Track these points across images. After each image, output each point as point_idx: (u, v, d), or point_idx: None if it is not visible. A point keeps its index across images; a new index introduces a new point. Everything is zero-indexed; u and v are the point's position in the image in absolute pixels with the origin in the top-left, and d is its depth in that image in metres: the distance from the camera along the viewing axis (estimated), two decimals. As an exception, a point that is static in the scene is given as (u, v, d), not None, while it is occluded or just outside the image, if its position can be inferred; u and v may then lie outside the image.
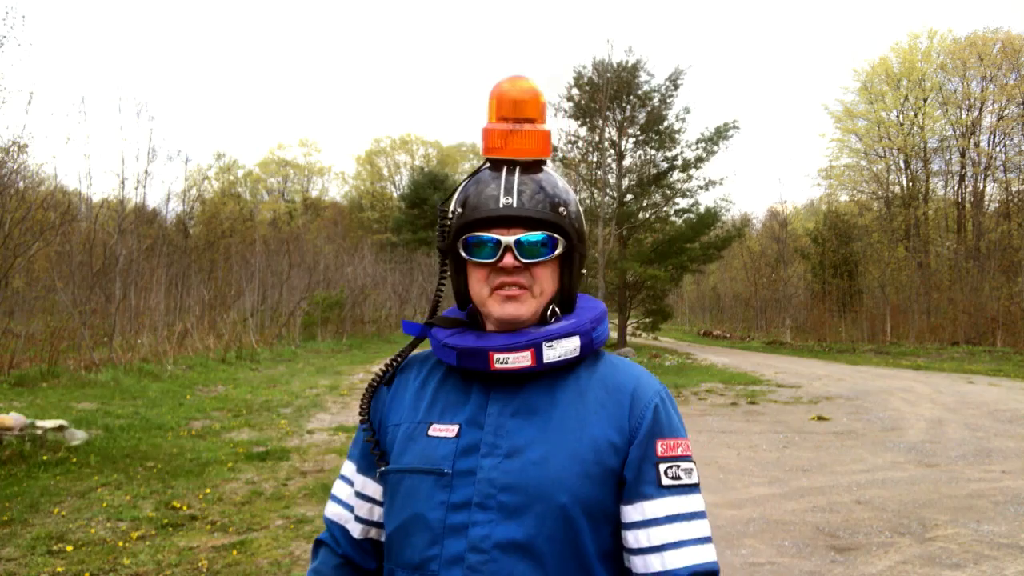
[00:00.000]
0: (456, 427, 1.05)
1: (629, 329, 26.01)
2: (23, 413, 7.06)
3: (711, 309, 45.89)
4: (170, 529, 4.68)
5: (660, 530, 1.00)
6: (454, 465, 1.02)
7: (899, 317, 28.18)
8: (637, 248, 24.70)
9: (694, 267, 26.64)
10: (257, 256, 22.47)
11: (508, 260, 1.04)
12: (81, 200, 21.35)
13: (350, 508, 1.16)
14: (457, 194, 1.13)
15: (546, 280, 1.08)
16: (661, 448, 1.04)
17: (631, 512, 1.03)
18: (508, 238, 1.05)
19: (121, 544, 4.37)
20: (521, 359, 1.03)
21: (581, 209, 1.15)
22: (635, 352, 21.14)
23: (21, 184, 15.40)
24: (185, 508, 5.10)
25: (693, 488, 1.04)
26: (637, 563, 1.02)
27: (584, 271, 1.15)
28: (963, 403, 10.57)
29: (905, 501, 5.51)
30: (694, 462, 1.06)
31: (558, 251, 1.08)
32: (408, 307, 28.38)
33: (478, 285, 1.08)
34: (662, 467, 1.03)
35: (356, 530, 1.15)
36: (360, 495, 1.15)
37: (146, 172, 18.24)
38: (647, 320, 26.18)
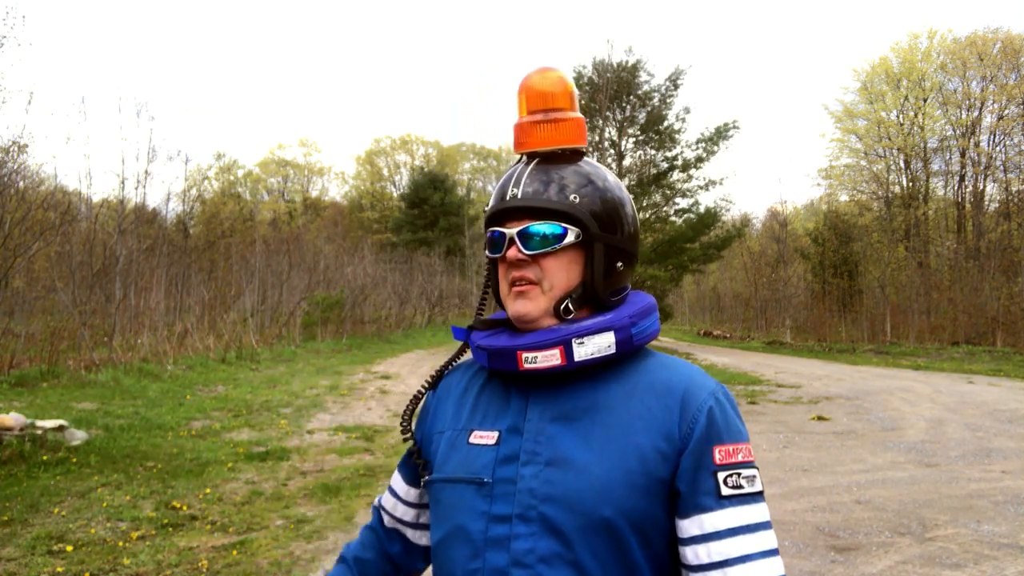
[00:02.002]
0: (496, 434, 1.01)
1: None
2: (23, 413, 7.06)
3: (711, 309, 45.85)
4: (170, 529, 4.68)
5: (722, 544, 0.92)
6: (494, 474, 0.98)
7: (899, 317, 28.17)
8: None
9: (694, 267, 26.66)
10: (257, 256, 22.46)
11: (512, 253, 1.01)
12: (81, 200, 21.39)
13: (398, 518, 1.22)
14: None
15: (557, 273, 1.01)
16: (719, 455, 0.94)
17: (688, 526, 0.94)
18: (511, 230, 1.01)
19: (121, 544, 4.37)
20: (550, 357, 0.97)
21: (625, 197, 1.09)
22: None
23: (21, 184, 15.42)
24: (185, 508, 5.10)
25: (757, 497, 0.94)
26: None
27: (620, 264, 1.06)
28: (963, 403, 10.56)
29: (905, 501, 5.51)
30: (757, 468, 0.97)
31: (567, 241, 1.00)
32: (408, 307, 28.37)
33: (501, 284, 1.06)
34: (721, 476, 0.94)
35: (405, 534, 1.22)
36: (411, 503, 1.20)
37: (146, 172, 18.31)
38: (647, 320, 26.11)
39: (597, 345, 0.98)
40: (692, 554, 0.93)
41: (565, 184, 1.03)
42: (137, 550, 4.28)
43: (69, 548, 4.27)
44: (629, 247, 1.07)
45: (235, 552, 4.29)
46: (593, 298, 1.04)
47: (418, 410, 1.20)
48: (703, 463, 0.94)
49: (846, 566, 4.19)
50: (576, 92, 1.10)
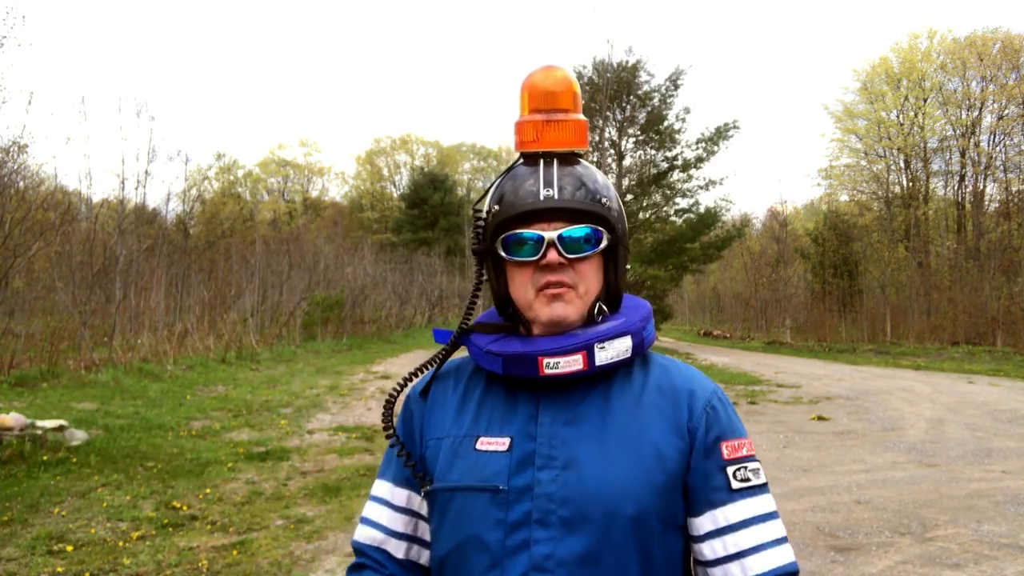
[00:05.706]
0: (507, 440, 0.99)
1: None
2: (23, 413, 7.06)
3: (711, 309, 45.86)
4: (170, 529, 4.68)
5: (737, 536, 0.95)
6: (509, 481, 0.96)
7: (899, 317, 28.17)
8: (637, 248, 24.71)
9: (694, 267, 26.66)
10: (257, 256, 22.45)
11: (552, 256, 0.97)
12: (81, 200, 21.33)
13: (388, 530, 1.08)
14: (492, 192, 1.05)
15: (591, 277, 1.01)
16: (726, 450, 0.98)
17: (703, 522, 0.97)
18: (551, 233, 0.98)
19: (121, 544, 4.37)
20: (572, 363, 0.96)
21: (622, 204, 1.08)
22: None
23: (21, 184, 15.36)
24: (185, 508, 5.10)
25: (763, 488, 0.98)
26: (716, 574, 0.97)
27: (628, 267, 1.09)
28: (963, 403, 10.56)
29: (905, 501, 5.51)
30: (759, 461, 1.00)
31: (603, 245, 1.01)
32: (408, 307, 28.36)
33: (522, 287, 1.01)
34: (730, 470, 0.97)
35: (399, 550, 1.07)
36: (403, 510, 1.08)
37: (146, 172, 18.30)
38: (647, 320, 26.11)
39: (616, 349, 0.99)
40: (709, 549, 0.96)
41: (593, 188, 1.02)
42: (137, 550, 4.28)
43: (69, 548, 4.27)
44: (629, 250, 1.09)
45: (235, 552, 4.29)
46: (614, 301, 1.06)
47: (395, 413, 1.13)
48: (712, 459, 0.97)
49: (846, 566, 4.19)
50: (579, 92, 1.07)
